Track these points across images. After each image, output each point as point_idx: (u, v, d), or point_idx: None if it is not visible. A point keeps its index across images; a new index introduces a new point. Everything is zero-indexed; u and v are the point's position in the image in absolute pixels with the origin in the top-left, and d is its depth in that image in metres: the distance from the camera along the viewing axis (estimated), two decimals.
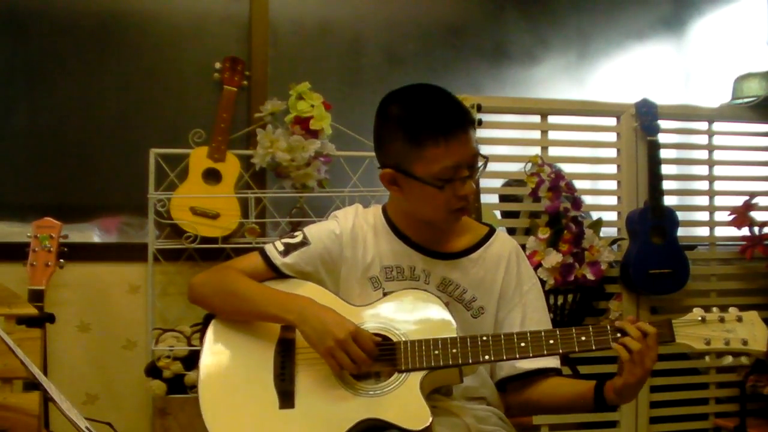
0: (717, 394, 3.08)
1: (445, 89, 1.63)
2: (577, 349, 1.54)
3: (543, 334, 1.56)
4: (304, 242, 1.69)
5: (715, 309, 1.54)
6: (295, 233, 1.72)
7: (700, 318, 1.52)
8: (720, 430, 3.03)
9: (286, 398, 1.56)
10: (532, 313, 1.71)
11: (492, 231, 1.77)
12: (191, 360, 2.55)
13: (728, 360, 1.52)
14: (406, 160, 1.58)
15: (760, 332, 1.50)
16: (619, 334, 1.52)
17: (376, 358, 1.55)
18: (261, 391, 1.57)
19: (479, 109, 2.83)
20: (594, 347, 1.53)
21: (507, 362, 1.68)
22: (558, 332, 1.55)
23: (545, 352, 1.55)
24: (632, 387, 1.50)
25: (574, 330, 1.55)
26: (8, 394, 1.74)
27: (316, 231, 1.72)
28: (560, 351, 1.56)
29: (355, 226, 1.71)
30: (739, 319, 1.51)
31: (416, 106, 1.58)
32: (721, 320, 1.52)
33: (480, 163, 1.63)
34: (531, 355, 1.56)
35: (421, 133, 1.55)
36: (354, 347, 1.51)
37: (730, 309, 1.53)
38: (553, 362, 1.69)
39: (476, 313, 1.69)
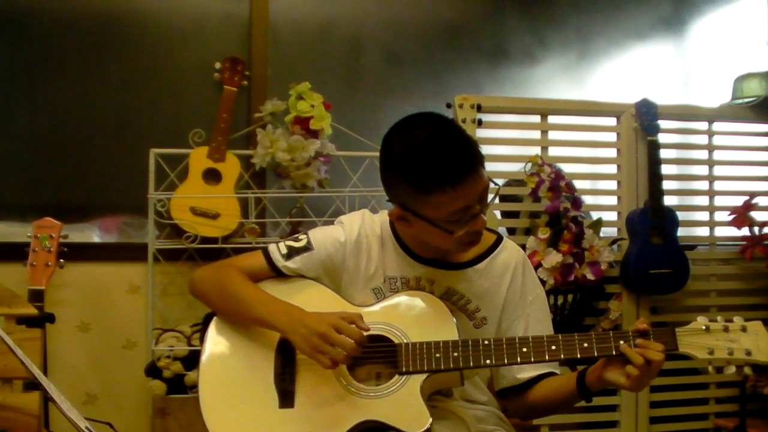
0: (717, 394, 3.08)
1: (450, 124, 1.56)
2: (579, 356, 1.53)
3: (545, 339, 1.55)
4: (308, 247, 1.68)
5: (719, 318, 1.51)
6: (300, 236, 1.71)
7: (704, 327, 1.50)
8: (720, 430, 3.03)
9: (286, 398, 1.56)
10: (535, 324, 1.70)
11: (499, 240, 1.74)
12: (191, 360, 2.55)
13: (731, 370, 1.49)
14: (413, 203, 1.53)
15: (764, 342, 1.47)
16: (621, 342, 1.50)
17: (377, 359, 1.55)
18: (261, 390, 1.57)
19: (479, 109, 2.83)
20: (596, 354, 1.52)
21: (508, 373, 1.69)
22: (560, 338, 1.55)
23: (547, 358, 1.55)
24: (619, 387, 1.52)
25: (576, 336, 1.54)
26: (8, 394, 1.74)
27: (321, 237, 1.70)
28: (562, 357, 1.55)
29: (361, 234, 1.69)
30: (744, 329, 1.49)
31: (418, 152, 1.49)
32: (725, 329, 1.49)
33: (491, 192, 1.57)
34: (533, 360, 1.55)
35: (425, 183, 1.48)
36: (338, 336, 1.49)
37: (735, 318, 1.51)
38: (550, 367, 1.69)
39: (479, 323, 1.68)
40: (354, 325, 1.52)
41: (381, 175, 1.60)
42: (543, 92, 3.39)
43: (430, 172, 1.48)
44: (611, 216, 3.02)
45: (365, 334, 1.52)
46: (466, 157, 1.50)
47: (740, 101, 3.18)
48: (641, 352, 1.47)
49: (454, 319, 1.60)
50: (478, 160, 1.52)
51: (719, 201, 3.14)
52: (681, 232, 2.96)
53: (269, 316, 1.59)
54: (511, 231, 2.94)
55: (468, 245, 1.61)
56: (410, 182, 1.51)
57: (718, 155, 3.16)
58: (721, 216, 3.09)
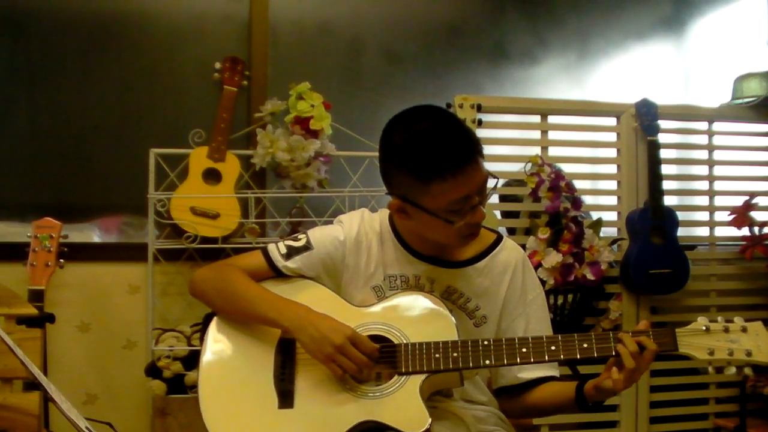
0: (717, 394, 3.08)
1: (449, 115, 1.58)
2: (578, 356, 1.53)
3: (545, 339, 1.55)
4: (307, 247, 1.68)
5: (720, 318, 1.51)
6: (299, 236, 1.71)
7: (704, 327, 1.50)
8: (720, 430, 3.03)
9: (286, 398, 1.56)
10: (535, 323, 1.70)
11: (499, 239, 1.74)
12: (191, 360, 2.55)
13: (732, 370, 1.49)
14: (413, 193, 1.54)
15: (764, 343, 1.47)
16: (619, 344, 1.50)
17: (377, 360, 1.55)
18: (261, 390, 1.57)
19: (479, 109, 2.83)
20: (596, 354, 1.52)
21: (508, 372, 1.68)
22: (560, 338, 1.54)
23: (546, 358, 1.54)
24: (613, 392, 1.51)
25: (576, 336, 1.54)
26: (8, 394, 1.74)
27: (320, 236, 1.70)
28: (561, 357, 1.55)
29: (360, 233, 1.69)
30: (744, 330, 1.48)
31: (419, 141, 1.51)
32: (726, 330, 1.49)
33: (491, 184, 1.58)
34: (532, 360, 1.54)
35: (426, 171, 1.49)
36: (353, 351, 1.51)
37: (735, 319, 1.50)
38: (551, 371, 1.69)
39: (479, 321, 1.68)
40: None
41: (380, 167, 1.60)
42: (543, 92, 3.39)
43: (431, 160, 1.49)
44: (611, 216, 3.02)
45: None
46: (467, 145, 1.52)
47: (740, 101, 3.18)
48: (638, 340, 1.48)
49: (454, 320, 1.59)
50: (478, 149, 1.54)
51: (719, 201, 3.15)
52: (681, 232, 2.96)
53: (274, 314, 1.59)
54: (511, 231, 2.94)
55: (467, 238, 1.61)
56: (410, 172, 1.51)
57: (718, 155, 3.16)
58: (721, 216, 3.09)
